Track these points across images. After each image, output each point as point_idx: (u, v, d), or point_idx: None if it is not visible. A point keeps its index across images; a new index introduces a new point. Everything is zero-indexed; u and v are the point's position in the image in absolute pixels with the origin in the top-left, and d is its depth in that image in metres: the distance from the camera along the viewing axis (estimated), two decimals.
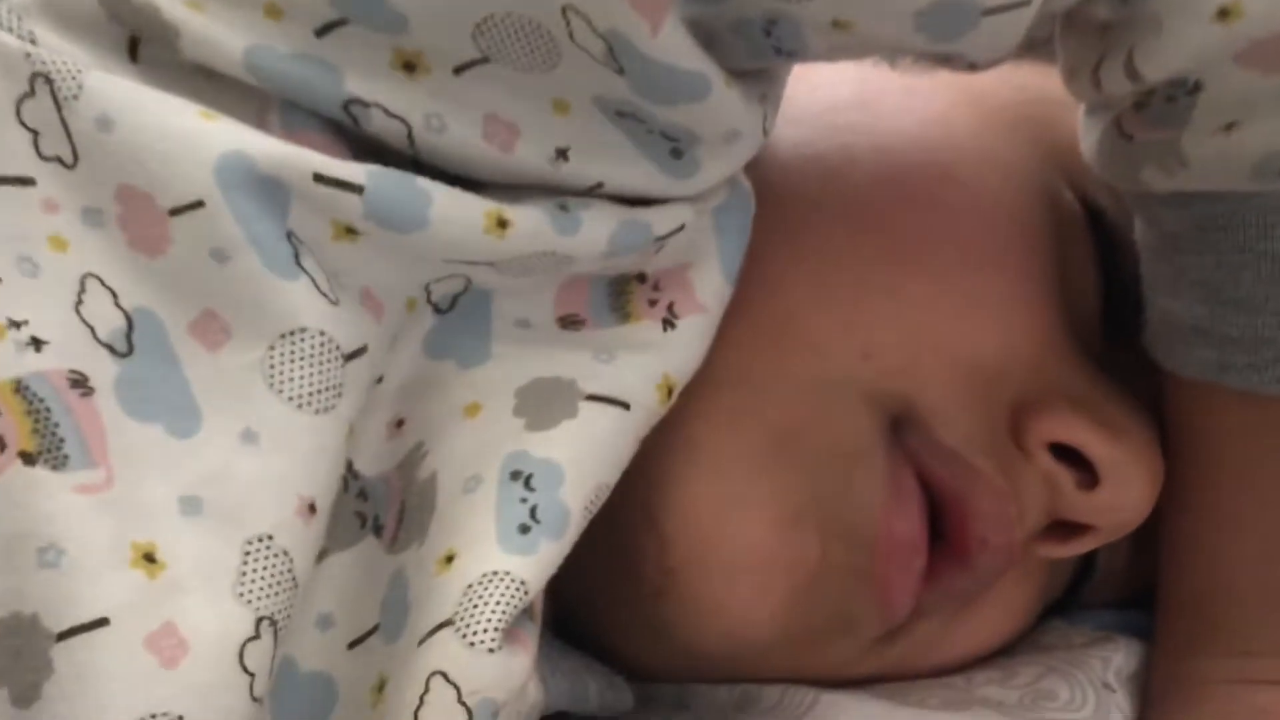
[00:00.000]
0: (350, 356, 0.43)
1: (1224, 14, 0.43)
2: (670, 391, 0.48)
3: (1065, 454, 0.52)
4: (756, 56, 0.45)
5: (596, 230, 0.45)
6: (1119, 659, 0.57)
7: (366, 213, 0.42)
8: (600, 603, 0.54)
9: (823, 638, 0.53)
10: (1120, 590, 0.61)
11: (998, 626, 0.57)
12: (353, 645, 0.45)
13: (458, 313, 0.47)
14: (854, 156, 0.54)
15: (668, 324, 0.48)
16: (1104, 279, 0.56)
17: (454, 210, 0.43)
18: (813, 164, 0.54)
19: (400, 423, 0.47)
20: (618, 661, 0.56)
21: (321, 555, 0.44)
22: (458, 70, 0.43)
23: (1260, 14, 0.43)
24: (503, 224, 0.43)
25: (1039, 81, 0.57)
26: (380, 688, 0.44)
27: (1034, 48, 0.56)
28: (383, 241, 0.43)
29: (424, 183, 0.43)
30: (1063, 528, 0.54)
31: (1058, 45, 0.50)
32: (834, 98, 0.56)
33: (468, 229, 0.43)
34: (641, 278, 0.49)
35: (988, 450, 0.52)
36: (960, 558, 0.52)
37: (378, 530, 0.46)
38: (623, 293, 0.48)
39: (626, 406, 0.47)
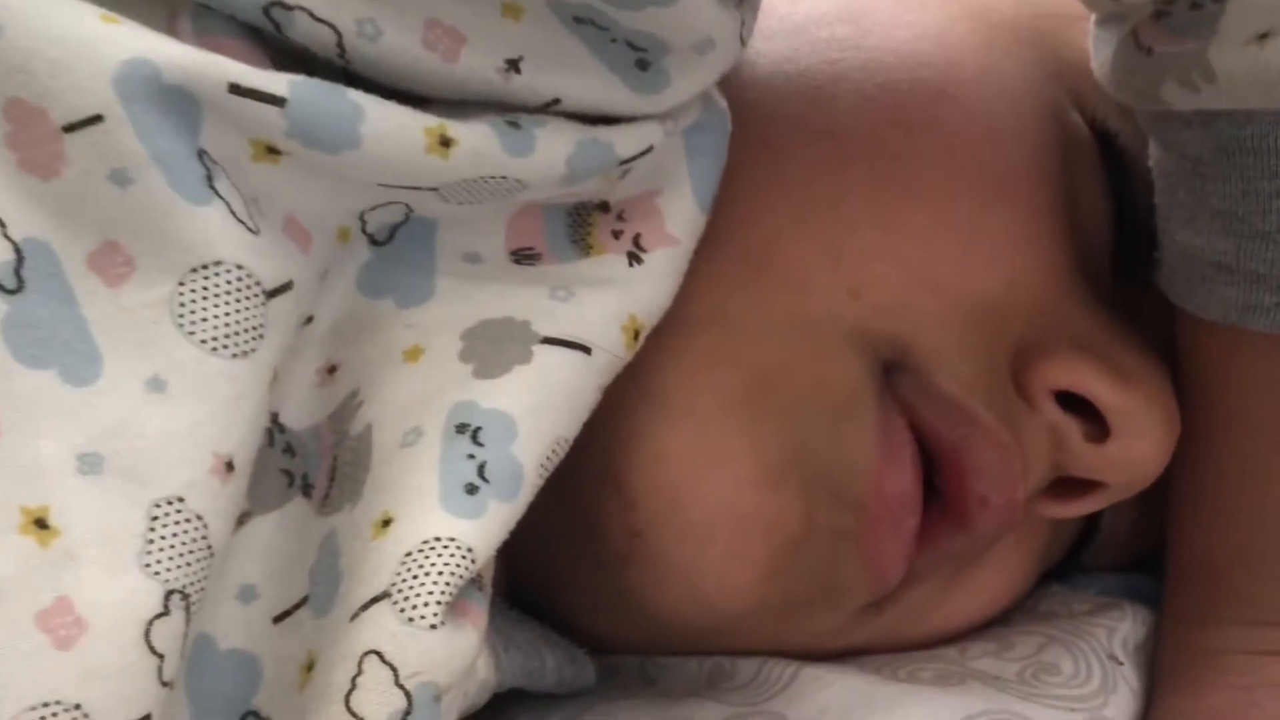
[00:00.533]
0: (273, 293, 0.38)
1: None
2: (636, 333, 0.44)
3: (1073, 403, 0.49)
4: None
5: (553, 151, 0.41)
6: (1125, 628, 0.54)
7: (289, 129, 0.38)
8: (560, 569, 0.51)
9: (805, 606, 0.49)
10: (1125, 553, 0.58)
11: (995, 593, 0.54)
12: (279, 619, 0.41)
13: (397, 245, 0.43)
14: (841, 74, 0.50)
15: (634, 258, 0.44)
16: (1116, 209, 0.53)
17: (389, 127, 0.39)
18: (796, 82, 0.50)
19: (332, 369, 0.43)
20: (579, 632, 0.52)
21: (243, 519, 0.40)
22: None
23: None
24: (446, 142, 0.39)
25: None
26: (310, 667, 0.40)
27: None
28: (308, 162, 0.39)
29: (355, 95, 0.38)
30: (1068, 484, 0.50)
31: None
32: (819, 10, 0.52)
33: (405, 148, 0.39)
34: (604, 207, 0.45)
35: (989, 399, 0.48)
36: (957, 518, 0.48)
37: (307, 490, 0.42)
38: (583, 223, 0.45)
39: (587, 350, 0.43)
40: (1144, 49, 0.44)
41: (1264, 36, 0.41)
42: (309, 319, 0.42)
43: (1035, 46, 0.53)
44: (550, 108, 0.41)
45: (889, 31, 0.51)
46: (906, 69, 0.50)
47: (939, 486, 0.48)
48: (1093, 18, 0.47)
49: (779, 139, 0.49)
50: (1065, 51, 0.52)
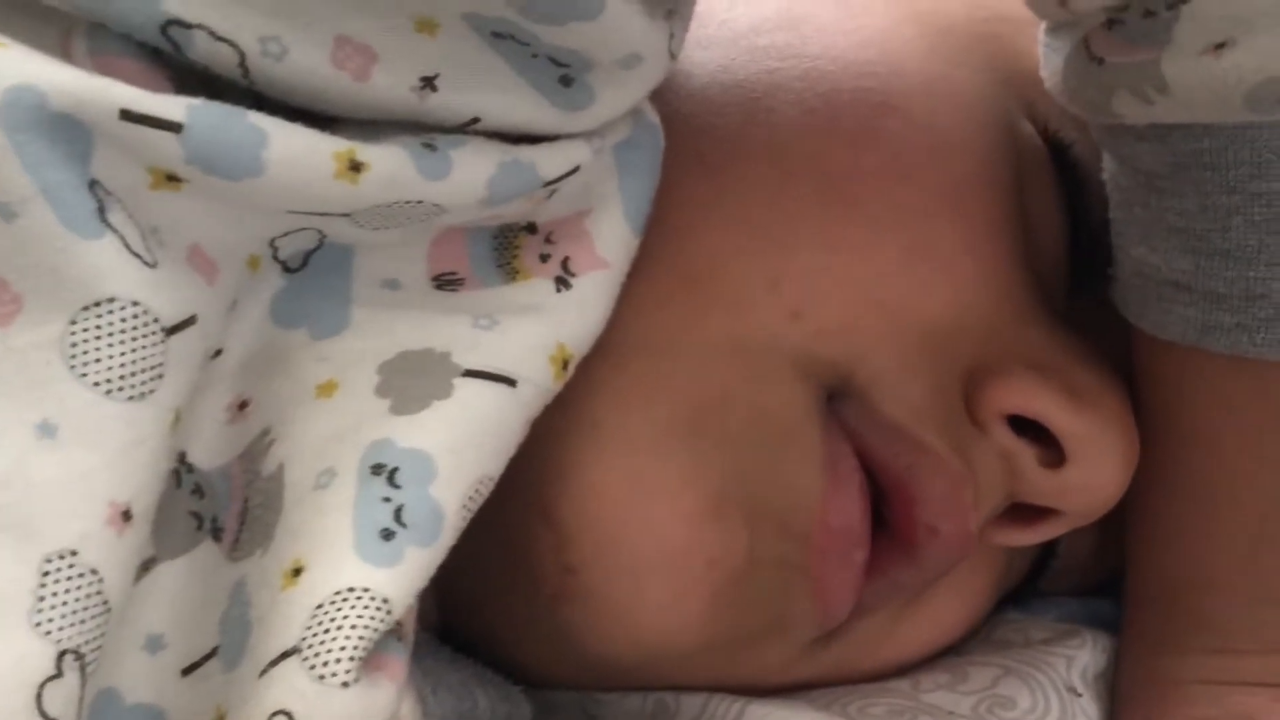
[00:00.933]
0: (173, 329, 0.36)
1: None
2: (566, 364, 0.42)
3: (1027, 428, 0.47)
4: None
5: (472, 173, 0.39)
6: (1085, 657, 0.52)
7: (188, 156, 0.36)
8: (492, 605, 0.49)
9: (751, 641, 0.47)
10: (1085, 577, 0.56)
11: (948, 621, 0.52)
12: (187, 672, 0.39)
13: (311, 272, 0.41)
14: (780, 84, 0.48)
15: (562, 283, 0.42)
16: (1070, 223, 0.51)
17: (295, 152, 0.36)
18: (733, 93, 0.48)
19: (243, 404, 0.41)
20: (515, 669, 0.50)
21: (148, 564, 0.38)
22: None
23: None
24: (356, 167, 0.37)
25: None
26: None
27: None
28: (211, 190, 0.37)
29: (257, 118, 0.36)
30: (1024, 511, 0.48)
31: None
32: (757, 16, 0.50)
33: (312, 174, 0.37)
34: (531, 229, 0.43)
35: (938, 425, 0.46)
36: (906, 549, 0.46)
37: (216, 533, 0.40)
38: (509, 246, 0.43)
39: (512, 383, 0.40)
40: (1095, 59, 0.42)
41: (1220, 47, 0.39)
42: (217, 352, 0.40)
43: (985, 53, 0.51)
44: (469, 127, 0.39)
45: (831, 39, 0.49)
46: (849, 78, 0.48)
47: (887, 517, 0.46)
48: (1042, 25, 0.45)
49: (716, 155, 0.47)
50: (1017, 58, 0.50)
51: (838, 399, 0.46)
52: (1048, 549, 0.54)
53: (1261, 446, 0.46)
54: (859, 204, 0.46)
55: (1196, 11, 0.39)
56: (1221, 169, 0.42)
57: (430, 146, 0.38)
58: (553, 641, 0.47)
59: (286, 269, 0.40)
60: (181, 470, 0.39)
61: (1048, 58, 0.45)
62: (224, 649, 0.38)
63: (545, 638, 0.47)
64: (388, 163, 0.37)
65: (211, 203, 0.37)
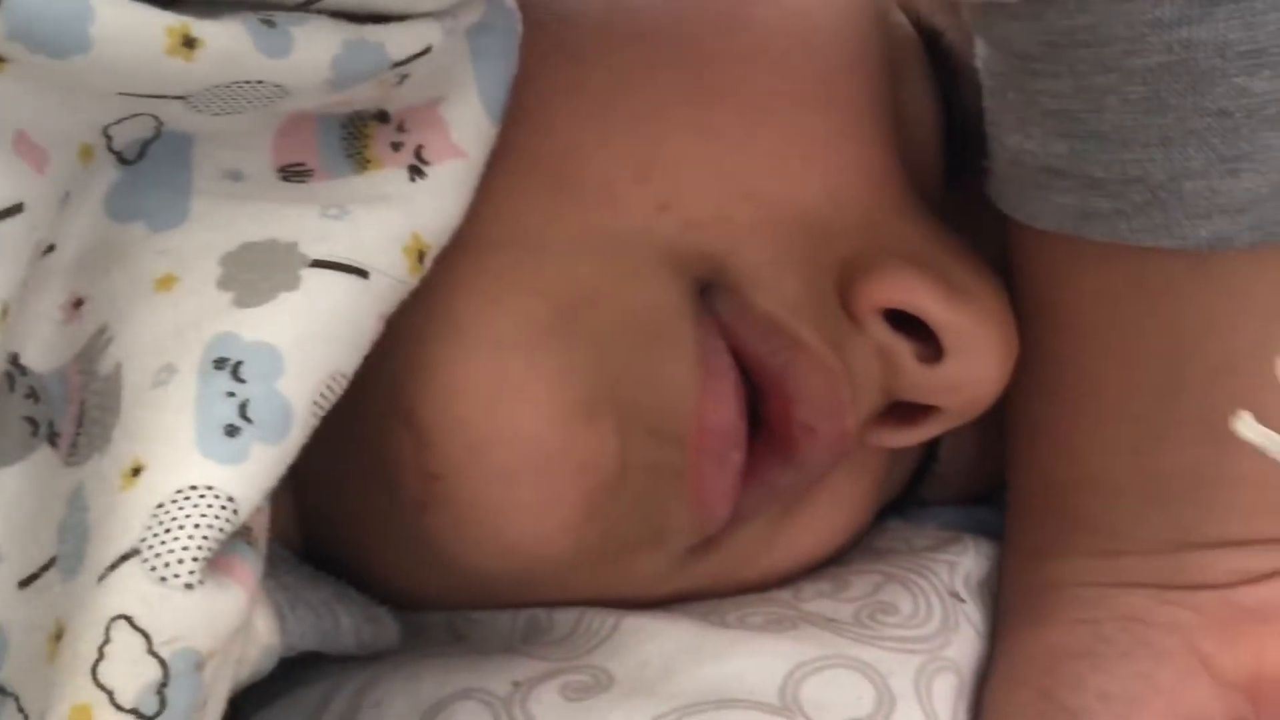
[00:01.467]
0: None
1: None
2: (422, 255, 0.40)
3: (904, 322, 0.46)
4: None
5: (314, 51, 0.37)
6: (967, 563, 0.51)
7: (9, 31, 0.33)
8: (354, 518, 0.47)
9: (626, 550, 0.46)
10: (966, 485, 0.56)
11: (829, 529, 0.51)
12: (24, 584, 0.37)
13: (149, 163, 0.39)
14: None
15: (416, 172, 0.40)
16: (944, 114, 0.50)
17: (123, 26, 0.34)
18: None
19: (79, 302, 0.38)
20: (380, 589, 0.48)
21: None
22: None
23: None
24: (190, 43, 0.35)
25: None
26: (59, 636, 0.36)
27: None
28: (36, 70, 0.34)
29: None
30: (902, 410, 0.48)
31: None
32: None
33: (143, 50, 0.34)
34: (383, 117, 0.41)
35: (814, 320, 0.45)
36: (783, 449, 0.45)
37: (53, 438, 0.38)
38: (359, 135, 0.41)
39: (364, 274, 0.39)
40: None
41: None
42: (50, 248, 0.37)
43: None
44: (311, 4, 0.37)
45: None
46: None
47: (763, 416, 0.45)
48: None
49: (578, 42, 0.46)
50: None
51: (711, 293, 0.45)
52: (929, 454, 0.54)
53: (1143, 339, 0.46)
54: (729, 91, 0.45)
55: None
56: (1096, 46, 0.41)
57: (270, 23, 0.36)
58: (418, 554, 0.46)
59: (122, 160, 0.38)
60: (14, 373, 0.37)
61: None
62: (62, 558, 0.36)
63: (410, 550, 0.46)
64: (224, 39, 0.35)
65: (37, 85, 0.35)
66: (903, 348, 0.46)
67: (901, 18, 0.50)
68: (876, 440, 0.48)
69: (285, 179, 0.39)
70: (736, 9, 0.47)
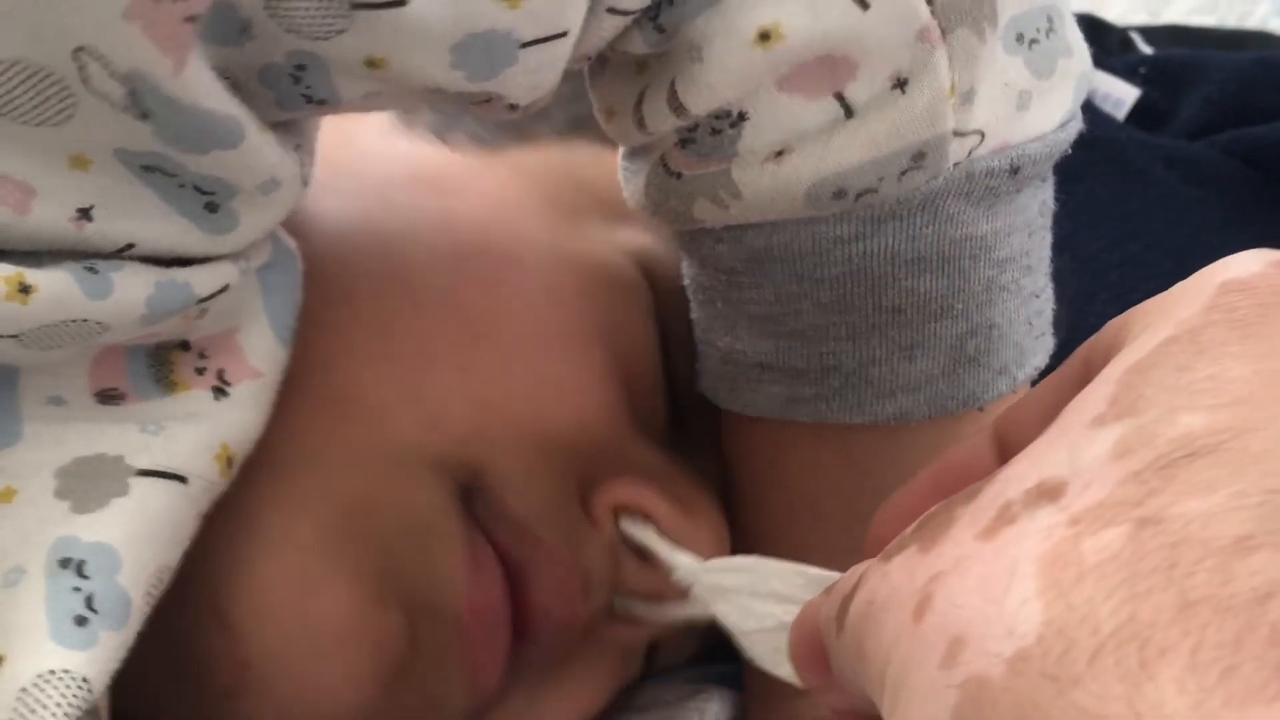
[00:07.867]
0: None
1: (764, 37, 0.43)
2: (230, 461, 0.45)
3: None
4: (287, 106, 0.42)
5: (131, 292, 0.41)
6: (714, 708, 0.56)
7: None
8: (167, 707, 0.50)
9: (415, 717, 0.51)
10: (700, 646, 0.61)
11: (585, 697, 0.56)
12: None
13: None
14: (418, 235, 0.53)
15: (219, 391, 0.46)
16: (662, 345, 0.57)
17: None
18: (371, 239, 0.53)
19: None
20: None
21: None
22: None
23: (801, 36, 0.43)
24: (25, 289, 0.39)
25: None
26: None
27: (582, 126, 0.56)
28: None
29: None
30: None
31: (590, 89, 0.50)
32: (388, 173, 0.56)
33: None
34: (185, 346, 0.46)
35: (555, 521, 0.51)
36: (525, 630, 0.51)
37: None
38: (164, 362, 0.45)
39: (184, 480, 0.43)
40: (674, 174, 0.48)
41: (779, 154, 0.45)
42: None
43: (585, 199, 0.57)
44: (125, 253, 0.41)
45: (463, 200, 0.55)
46: (480, 234, 0.54)
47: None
48: (620, 152, 0.51)
49: (356, 287, 0.51)
50: (607, 186, 0.55)
51: (472, 496, 0.50)
52: None
53: (853, 505, 0.51)
54: (489, 336, 0.52)
55: (756, 126, 0.45)
56: (790, 260, 0.48)
57: (92, 270, 0.40)
58: None
59: None
60: None
61: (628, 179, 0.51)
62: None
63: None
64: (54, 285, 0.39)
65: None
66: (629, 547, 0.52)
67: (628, 264, 0.57)
68: (610, 635, 0.54)
69: (101, 402, 0.44)
70: (495, 271, 0.53)
